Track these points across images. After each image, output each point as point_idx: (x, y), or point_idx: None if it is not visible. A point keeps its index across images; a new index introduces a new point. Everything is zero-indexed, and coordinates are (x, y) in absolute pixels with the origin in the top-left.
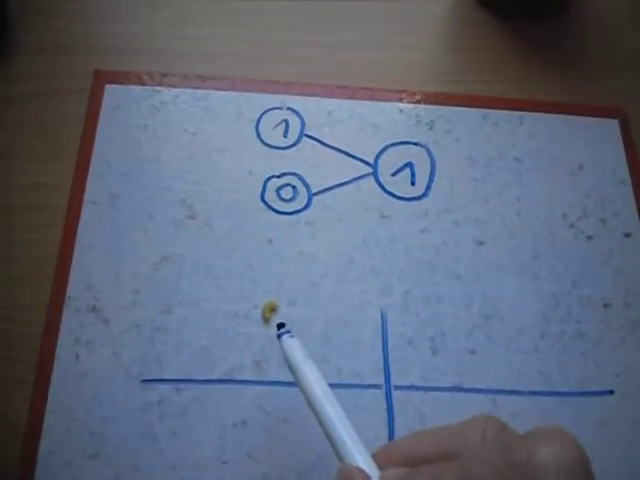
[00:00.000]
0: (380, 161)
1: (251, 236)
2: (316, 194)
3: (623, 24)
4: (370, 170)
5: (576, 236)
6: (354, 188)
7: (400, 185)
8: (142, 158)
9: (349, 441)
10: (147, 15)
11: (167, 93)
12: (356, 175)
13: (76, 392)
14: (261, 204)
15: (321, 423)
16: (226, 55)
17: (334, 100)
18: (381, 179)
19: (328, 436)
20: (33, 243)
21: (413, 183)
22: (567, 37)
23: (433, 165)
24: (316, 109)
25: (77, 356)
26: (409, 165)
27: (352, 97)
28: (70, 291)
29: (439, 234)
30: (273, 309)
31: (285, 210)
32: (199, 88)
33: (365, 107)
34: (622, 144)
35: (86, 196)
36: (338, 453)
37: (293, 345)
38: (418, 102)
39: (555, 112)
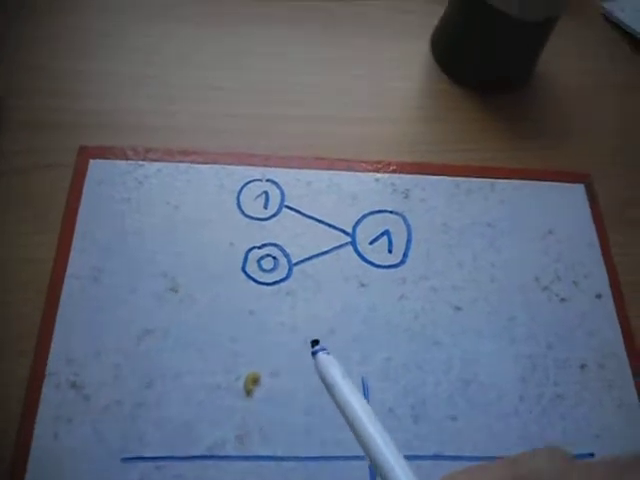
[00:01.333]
0: (358, 230)
1: (233, 307)
2: (296, 264)
3: (583, 93)
4: (349, 239)
5: (550, 299)
6: (333, 257)
7: (378, 253)
8: (125, 231)
9: (398, 469)
10: (130, 92)
11: (150, 167)
12: (335, 244)
13: (55, 473)
14: (242, 275)
15: (364, 447)
16: (208, 129)
17: (313, 171)
18: (359, 248)
19: (374, 461)
20: (14, 318)
21: (390, 251)
22: (532, 107)
23: (409, 233)
24: (295, 180)
25: (56, 435)
26: (386, 233)
27: (330, 168)
28: (50, 367)
29: (417, 301)
30: (255, 381)
31: (266, 281)
32: (181, 162)
33: (343, 177)
34: (589, 208)
35: (68, 270)
36: None
37: (329, 362)
38: (393, 172)
39: (524, 178)
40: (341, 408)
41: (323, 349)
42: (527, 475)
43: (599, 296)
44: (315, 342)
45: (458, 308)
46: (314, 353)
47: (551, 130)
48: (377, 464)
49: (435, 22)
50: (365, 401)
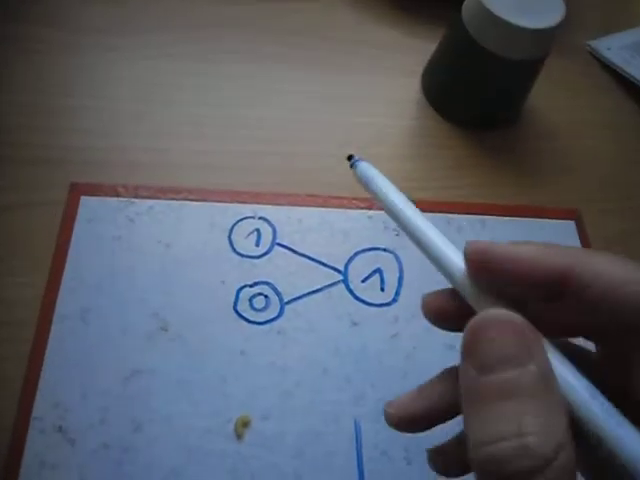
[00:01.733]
0: (350, 268)
1: (223, 347)
2: (288, 303)
3: (571, 129)
4: (340, 277)
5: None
6: (325, 296)
7: (370, 291)
8: (115, 270)
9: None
10: (122, 129)
11: (141, 205)
12: (327, 283)
13: None
14: (234, 314)
15: (422, 246)
16: (199, 166)
17: (304, 208)
18: (351, 286)
19: (433, 259)
20: (1, 361)
21: (383, 289)
22: (521, 143)
23: (401, 270)
24: (287, 217)
25: None
26: (378, 271)
27: (322, 205)
28: (36, 411)
29: (410, 339)
30: (246, 424)
31: (257, 320)
32: (173, 199)
33: (334, 215)
34: (580, 244)
35: (57, 310)
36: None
37: (372, 172)
38: None
39: (514, 215)
40: (392, 214)
41: (359, 159)
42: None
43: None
44: (351, 156)
45: (451, 346)
46: (352, 165)
47: (540, 166)
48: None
49: (425, 59)
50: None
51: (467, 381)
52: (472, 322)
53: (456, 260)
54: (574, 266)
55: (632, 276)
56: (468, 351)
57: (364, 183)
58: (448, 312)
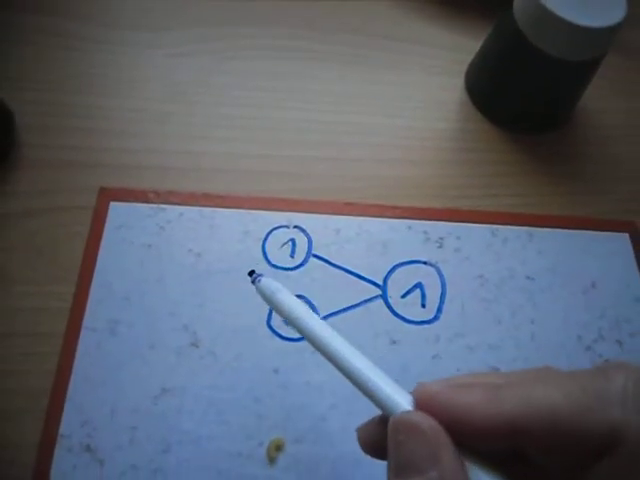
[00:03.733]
0: (389, 282)
1: (256, 365)
2: (324, 318)
3: (627, 133)
4: (379, 292)
5: (593, 360)
6: (363, 311)
7: (410, 308)
8: (145, 280)
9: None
10: (154, 131)
11: (172, 211)
12: (365, 297)
13: None
14: (267, 330)
15: (340, 368)
16: (233, 172)
17: (341, 217)
18: (390, 301)
19: (355, 382)
20: (27, 374)
21: (424, 305)
22: (573, 147)
23: (443, 286)
24: (323, 227)
25: None
26: (419, 286)
27: (360, 214)
28: (63, 428)
29: (452, 360)
30: (279, 447)
31: (292, 337)
32: (205, 206)
33: (373, 224)
34: (634, 259)
35: (85, 322)
36: (377, 401)
37: (272, 287)
38: (426, 218)
39: (563, 227)
40: (304, 333)
41: (259, 275)
42: (518, 382)
43: None
44: (251, 272)
45: (496, 369)
46: (254, 282)
47: (592, 173)
48: (365, 387)
49: (468, 58)
50: (320, 319)
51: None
52: (390, 422)
53: (394, 397)
54: (515, 414)
55: (573, 403)
56: (388, 450)
57: (268, 299)
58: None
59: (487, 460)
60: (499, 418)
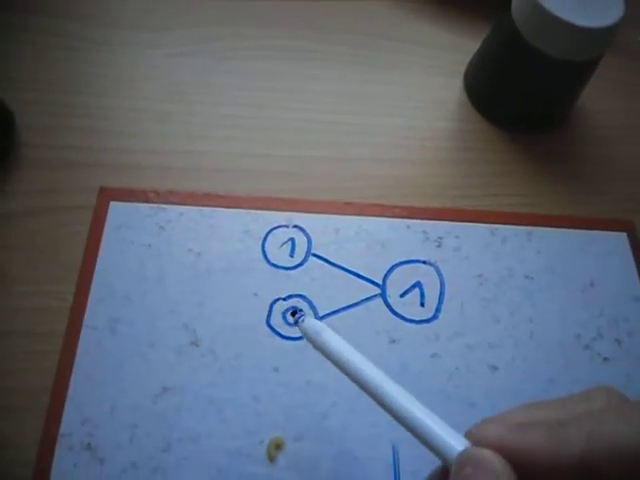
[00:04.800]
0: (388, 281)
1: (256, 364)
2: (323, 317)
3: (624, 133)
4: (378, 291)
5: (592, 358)
6: (362, 310)
7: (409, 307)
8: (145, 280)
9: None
10: (154, 131)
11: (172, 211)
12: (364, 297)
13: None
14: (267, 329)
15: (393, 413)
16: (233, 171)
17: (341, 217)
18: (390, 300)
19: (410, 428)
20: (28, 372)
21: (423, 304)
22: (570, 147)
23: (442, 285)
24: (323, 227)
25: None
26: (418, 285)
27: (359, 214)
28: (64, 427)
29: (451, 359)
30: (279, 446)
31: (292, 335)
32: (205, 206)
33: (372, 224)
34: (632, 258)
35: (85, 321)
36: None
37: (316, 327)
38: (425, 218)
39: (562, 226)
40: (353, 378)
41: (302, 314)
42: (584, 416)
43: None
44: (294, 312)
45: (495, 368)
46: (296, 322)
47: (591, 173)
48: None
49: (467, 58)
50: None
51: None
52: (458, 455)
53: (452, 443)
54: (585, 453)
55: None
56: None
57: (313, 340)
58: None
59: None
60: (568, 459)
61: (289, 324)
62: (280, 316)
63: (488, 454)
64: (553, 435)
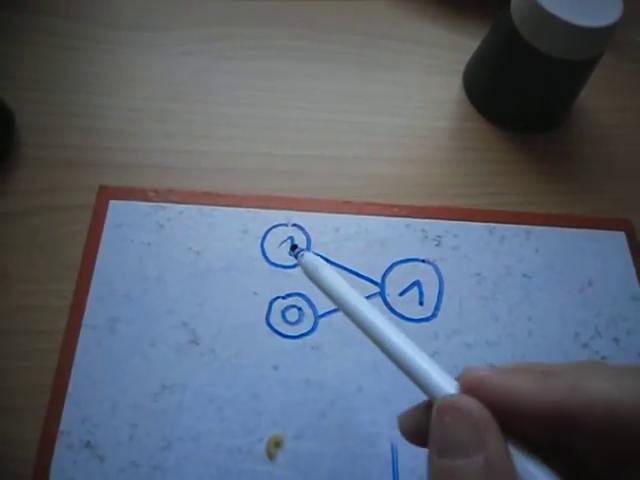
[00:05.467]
0: (387, 280)
1: (256, 362)
2: (322, 316)
3: (623, 132)
4: (377, 289)
5: (590, 357)
6: None
7: (408, 305)
8: (145, 278)
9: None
10: (153, 131)
11: (172, 210)
12: (363, 295)
13: None
14: (266, 327)
15: (384, 349)
16: (233, 170)
17: (340, 216)
18: (388, 299)
19: (400, 365)
20: (28, 371)
21: (421, 303)
22: (569, 146)
23: (441, 283)
24: (322, 225)
25: None
26: (417, 284)
27: (359, 213)
28: (64, 425)
29: (450, 357)
30: (278, 444)
31: (291, 334)
32: (204, 204)
33: (372, 223)
34: (630, 257)
35: (85, 320)
36: (421, 384)
37: (315, 262)
38: (424, 217)
39: (560, 225)
40: (349, 314)
41: (301, 250)
42: (570, 370)
43: None
44: (294, 247)
45: (494, 366)
46: (296, 256)
47: (589, 172)
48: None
49: (466, 57)
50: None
51: (428, 461)
52: (436, 403)
53: (441, 382)
54: (567, 402)
55: (623, 395)
56: (430, 432)
57: (311, 275)
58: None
59: (532, 448)
60: (549, 405)
61: (288, 323)
62: (279, 314)
63: (468, 401)
64: (538, 382)
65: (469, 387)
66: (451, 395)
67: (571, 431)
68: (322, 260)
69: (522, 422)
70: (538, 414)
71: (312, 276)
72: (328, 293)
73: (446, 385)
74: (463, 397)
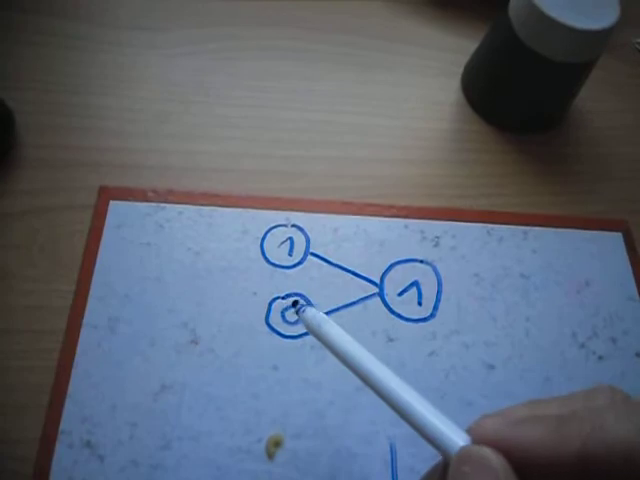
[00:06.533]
0: (386, 280)
1: (255, 362)
2: None
3: (620, 133)
4: (376, 290)
5: (587, 357)
6: (360, 309)
7: (407, 305)
8: (145, 278)
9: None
10: (153, 131)
11: (171, 210)
12: (362, 295)
13: None
14: (266, 327)
15: (393, 406)
16: (232, 171)
17: (339, 217)
18: (387, 299)
19: (410, 421)
20: (28, 370)
21: (420, 303)
22: (566, 148)
23: (440, 284)
24: (321, 226)
25: None
26: (415, 284)
27: (358, 213)
28: (64, 424)
29: (448, 357)
30: (278, 443)
31: (290, 334)
32: (204, 205)
33: (370, 223)
34: (627, 258)
35: (85, 319)
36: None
37: (318, 317)
38: (423, 217)
39: (558, 226)
40: (353, 369)
41: (303, 305)
42: (585, 413)
43: (639, 355)
44: (295, 302)
45: (491, 366)
46: (297, 312)
47: (586, 173)
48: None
49: (465, 59)
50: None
51: None
52: (457, 453)
53: (454, 437)
54: (583, 452)
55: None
56: None
57: (314, 331)
58: None
59: None
60: (565, 456)
61: (288, 322)
62: (279, 315)
63: (487, 452)
64: (552, 431)
65: (482, 441)
66: (470, 446)
67: (590, 478)
68: (324, 315)
69: (539, 472)
70: (554, 465)
71: (315, 332)
72: (331, 348)
73: (459, 440)
74: (482, 447)
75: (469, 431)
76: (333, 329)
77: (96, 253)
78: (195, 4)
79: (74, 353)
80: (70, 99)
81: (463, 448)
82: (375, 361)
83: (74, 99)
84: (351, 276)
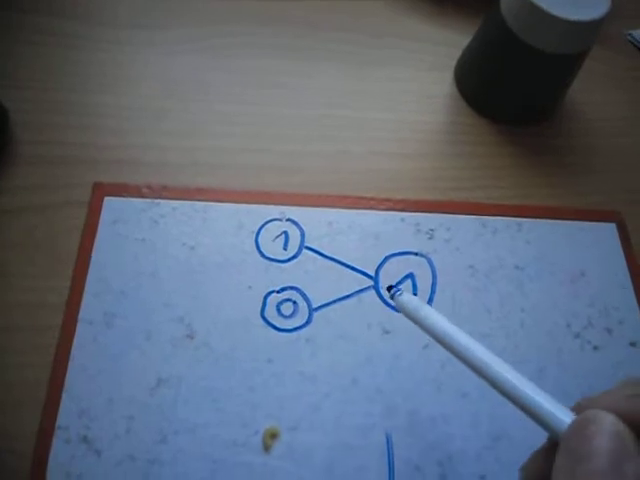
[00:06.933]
0: (381, 273)
1: (251, 355)
2: (317, 309)
3: (613, 125)
4: (371, 283)
5: (582, 347)
6: (355, 302)
7: None
8: (140, 273)
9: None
10: (149, 128)
11: (166, 206)
12: (357, 288)
13: None
14: (261, 321)
15: (498, 387)
16: (227, 167)
17: (334, 210)
18: (382, 292)
19: (516, 401)
20: (25, 366)
21: (415, 295)
22: (559, 139)
23: (434, 276)
24: (316, 220)
25: None
26: (410, 276)
27: (352, 207)
28: (61, 419)
29: (443, 350)
30: (274, 435)
31: (285, 327)
32: (198, 200)
33: (365, 216)
34: (621, 248)
35: (81, 315)
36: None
37: (414, 302)
38: (417, 210)
39: (552, 217)
40: (457, 355)
41: (398, 289)
42: None
43: (633, 344)
44: (390, 287)
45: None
46: (392, 296)
47: (579, 165)
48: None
49: (458, 52)
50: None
51: (563, 474)
52: (578, 417)
53: (558, 414)
54: None
55: None
56: (562, 447)
57: (411, 315)
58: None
59: None
60: None
61: (283, 316)
62: (274, 308)
63: (613, 417)
64: None
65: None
66: (593, 410)
67: None
68: (419, 300)
69: None
70: None
71: (412, 316)
72: (431, 332)
73: (568, 420)
74: (602, 411)
75: (577, 409)
76: (432, 314)
77: (91, 249)
78: (194, 2)
79: (70, 348)
80: (68, 97)
81: (586, 413)
82: (476, 344)
83: (72, 97)
84: (346, 269)
